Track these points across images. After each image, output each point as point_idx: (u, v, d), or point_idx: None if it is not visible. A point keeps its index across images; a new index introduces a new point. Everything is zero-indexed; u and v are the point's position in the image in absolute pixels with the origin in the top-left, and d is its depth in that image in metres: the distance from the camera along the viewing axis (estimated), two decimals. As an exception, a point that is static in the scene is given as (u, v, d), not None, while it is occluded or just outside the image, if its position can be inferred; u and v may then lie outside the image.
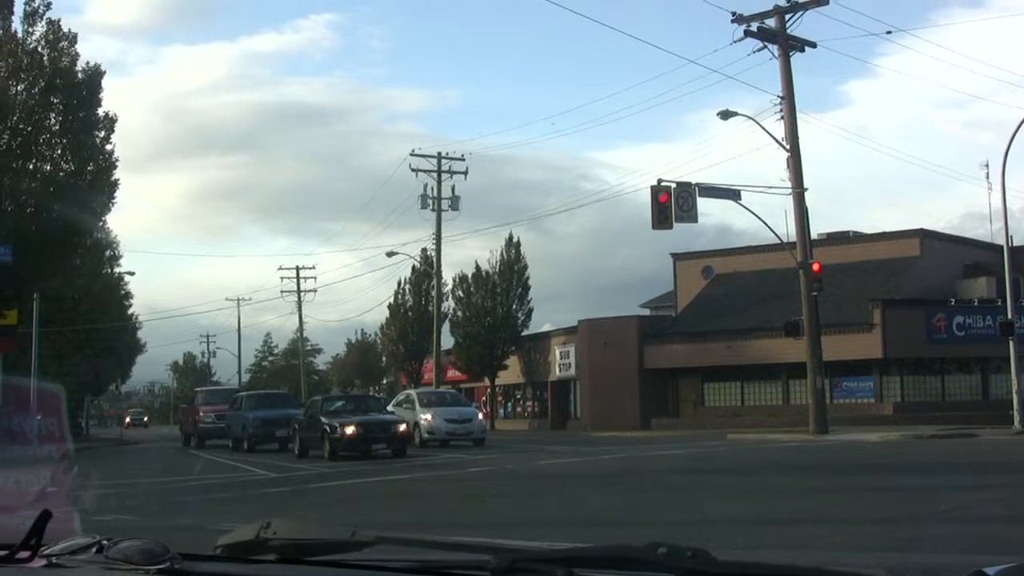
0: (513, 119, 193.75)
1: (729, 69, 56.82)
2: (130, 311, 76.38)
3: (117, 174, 37.30)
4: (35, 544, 2.82)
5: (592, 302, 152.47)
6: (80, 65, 35.53)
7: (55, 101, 34.90)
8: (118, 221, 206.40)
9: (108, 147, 36.43)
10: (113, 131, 36.22)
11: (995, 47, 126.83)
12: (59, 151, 35.17)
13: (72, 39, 35.32)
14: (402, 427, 33.11)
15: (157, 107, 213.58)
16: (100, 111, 35.97)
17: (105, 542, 2.79)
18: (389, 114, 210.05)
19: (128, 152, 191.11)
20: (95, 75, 35.73)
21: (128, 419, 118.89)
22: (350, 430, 31.62)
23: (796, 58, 40.70)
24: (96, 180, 35.76)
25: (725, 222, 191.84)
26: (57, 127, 35.04)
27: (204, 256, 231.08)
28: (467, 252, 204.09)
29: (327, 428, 32.12)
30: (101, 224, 51.94)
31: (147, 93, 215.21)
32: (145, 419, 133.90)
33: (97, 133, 35.94)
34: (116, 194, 37.80)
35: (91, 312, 61.25)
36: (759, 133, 40.73)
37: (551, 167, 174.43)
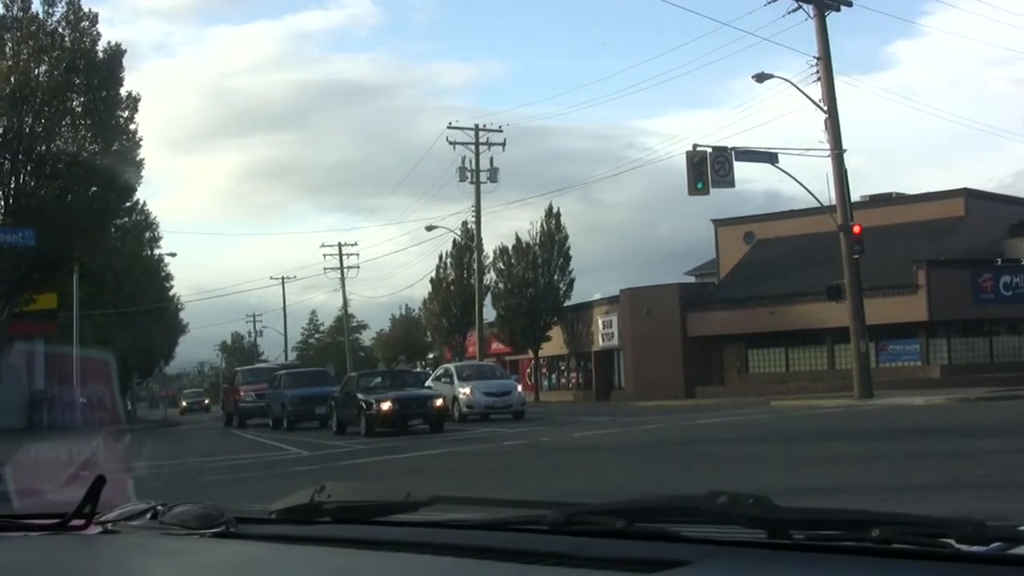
0: (558, 89, 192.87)
1: (770, 32, 55.90)
2: (172, 292, 76.72)
3: (158, 153, 37.91)
4: (90, 511, 2.88)
5: (642, 271, 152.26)
6: (101, 45, 35.53)
7: (77, 82, 34.86)
8: (166, 202, 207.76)
9: (132, 126, 36.42)
10: (137, 110, 36.28)
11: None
12: (82, 131, 35.11)
13: (93, 19, 35.39)
14: (439, 402, 32.91)
15: (204, 88, 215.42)
16: (123, 91, 35.99)
17: (160, 507, 2.84)
18: (435, 88, 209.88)
19: (176, 133, 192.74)
20: (116, 54, 35.64)
21: (184, 403, 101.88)
22: (386, 406, 31.49)
23: (841, 20, 40.18)
24: (121, 160, 35.68)
25: (774, 188, 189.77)
26: (80, 108, 34.98)
27: (252, 235, 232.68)
28: (514, 224, 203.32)
29: (363, 404, 32.05)
30: (140, 205, 52.07)
31: (194, 74, 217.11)
32: (207, 401, 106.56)
33: (121, 113, 35.88)
34: (143, 173, 37.89)
35: (132, 294, 61.48)
36: (802, 95, 40.13)
37: (597, 137, 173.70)
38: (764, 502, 2.09)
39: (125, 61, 35.72)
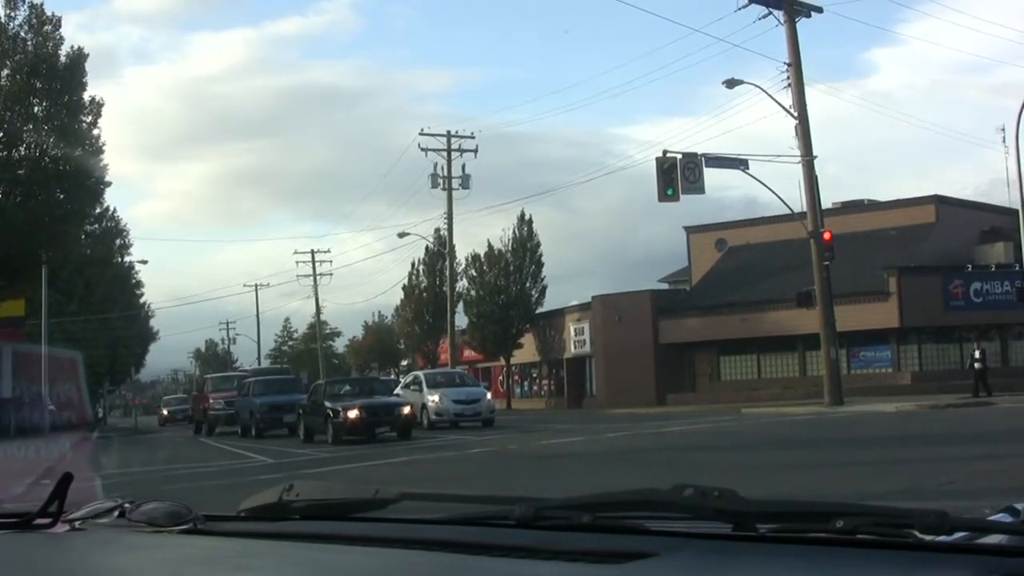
0: (535, 96, 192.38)
1: (744, 37, 55.92)
2: (142, 300, 76.32)
3: (135, 159, 37.60)
4: (56, 510, 2.84)
5: (620, 278, 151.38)
6: (64, 49, 35.27)
7: (39, 86, 34.59)
8: (142, 209, 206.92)
9: (95, 132, 36.19)
10: (100, 115, 36.05)
11: (1017, 9, 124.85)
12: (45, 136, 34.82)
13: (56, 23, 35.15)
14: (406, 409, 32.76)
15: (182, 94, 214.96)
16: (86, 95, 35.75)
17: (127, 505, 2.81)
18: (414, 95, 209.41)
19: (154, 139, 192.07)
20: (78, 59, 35.37)
21: (166, 412, 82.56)
22: (353, 414, 31.34)
23: (818, 28, 40.29)
24: (84, 165, 35.42)
25: (751, 195, 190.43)
26: (42, 113, 34.73)
27: (229, 242, 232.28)
28: (491, 231, 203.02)
29: (330, 412, 31.87)
30: (109, 212, 51.66)
31: (173, 80, 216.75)
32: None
33: (84, 118, 35.62)
34: (108, 178, 37.67)
35: (102, 302, 61.13)
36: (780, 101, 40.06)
37: (575, 144, 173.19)
38: (729, 495, 2.11)
39: (103, 66, 36.12)
